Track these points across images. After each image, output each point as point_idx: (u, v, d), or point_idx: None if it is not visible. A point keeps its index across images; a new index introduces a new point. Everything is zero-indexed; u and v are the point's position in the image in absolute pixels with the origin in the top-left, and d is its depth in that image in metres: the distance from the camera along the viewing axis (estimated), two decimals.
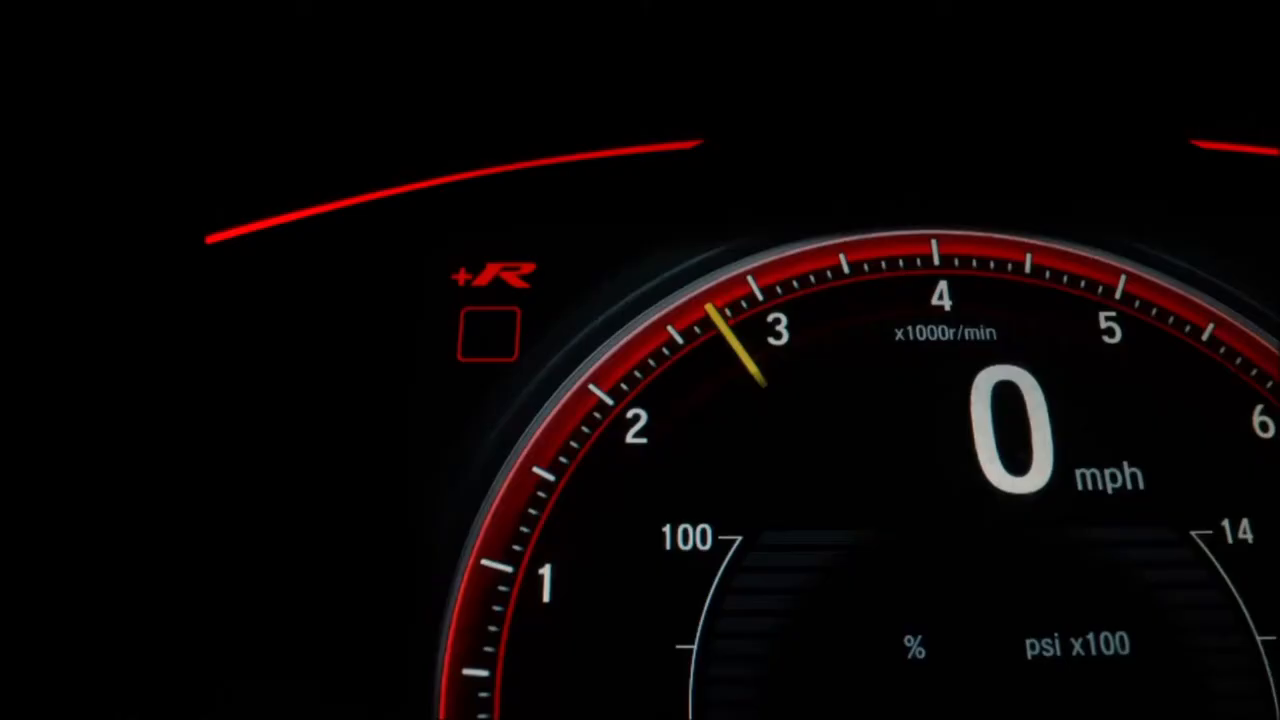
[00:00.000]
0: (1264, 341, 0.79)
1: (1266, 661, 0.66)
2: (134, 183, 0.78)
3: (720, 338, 0.78)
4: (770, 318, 0.78)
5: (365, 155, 0.81)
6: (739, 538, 0.70)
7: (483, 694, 0.65)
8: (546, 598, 0.68)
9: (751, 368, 0.74)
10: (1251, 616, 0.68)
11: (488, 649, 0.66)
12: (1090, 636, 0.67)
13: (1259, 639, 0.67)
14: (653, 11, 0.74)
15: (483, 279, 0.79)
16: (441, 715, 0.65)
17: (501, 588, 0.68)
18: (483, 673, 0.66)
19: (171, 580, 0.67)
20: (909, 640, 0.67)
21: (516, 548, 0.70)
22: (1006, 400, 0.75)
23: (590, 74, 0.79)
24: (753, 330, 0.78)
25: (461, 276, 0.79)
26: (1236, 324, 0.79)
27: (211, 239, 0.78)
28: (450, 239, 0.80)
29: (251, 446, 0.72)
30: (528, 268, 0.79)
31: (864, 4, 0.74)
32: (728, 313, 0.77)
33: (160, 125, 0.76)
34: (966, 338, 0.78)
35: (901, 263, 0.81)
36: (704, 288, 0.79)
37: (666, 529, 0.70)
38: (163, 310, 0.75)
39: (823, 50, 0.79)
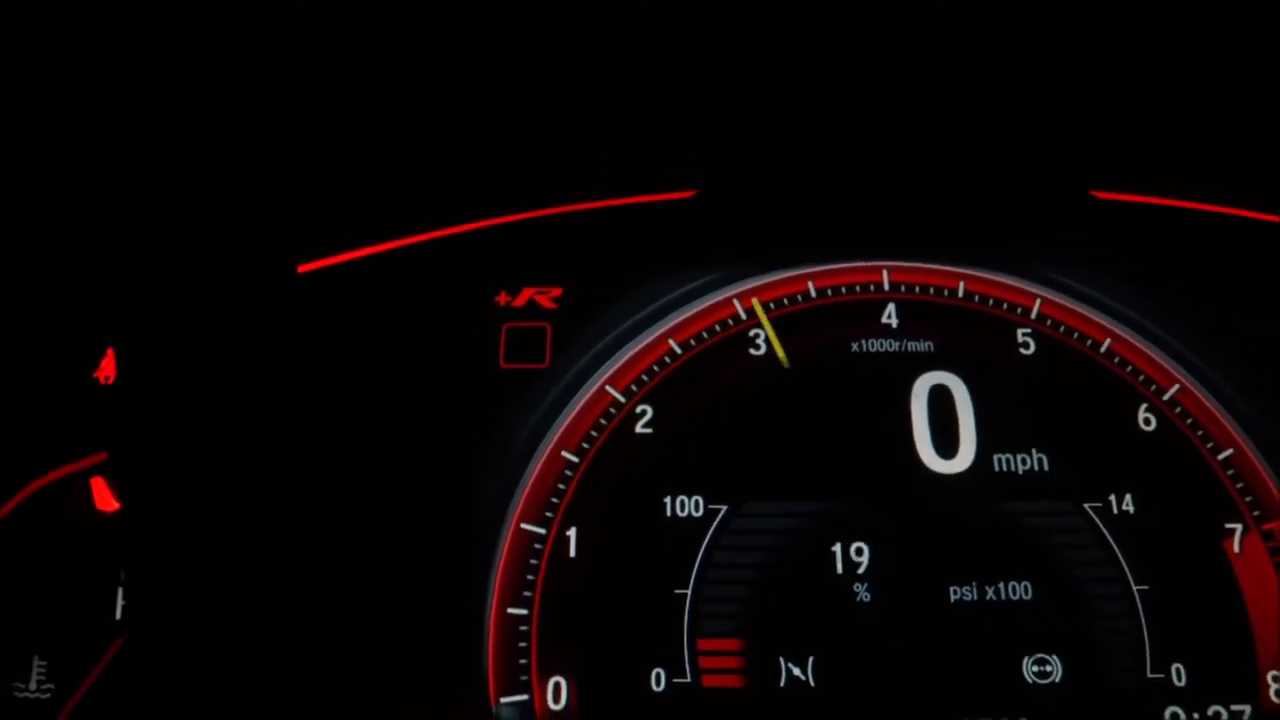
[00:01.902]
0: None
1: (1140, 605, 0.74)
2: (240, 223, 0.84)
3: (715, 345, 0.83)
4: (751, 333, 0.84)
5: (426, 203, 0.85)
6: (725, 507, 0.76)
7: (523, 627, 0.73)
8: (573, 553, 0.75)
9: (780, 353, 0.81)
10: (1130, 570, 0.75)
11: (526, 593, 0.74)
12: (1001, 584, 0.74)
13: (1135, 588, 0.74)
14: (659, 78, 0.76)
15: (520, 300, 0.84)
16: (491, 643, 0.73)
17: (537, 545, 0.76)
18: (523, 611, 0.74)
19: (279, 555, 0.75)
20: (857, 587, 0.74)
21: (549, 514, 0.77)
22: (940, 400, 0.81)
23: (608, 138, 0.82)
24: (736, 343, 0.84)
25: (502, 298, 0.84)
26: (1129, 339, 0.85)
27: (302, 269, 0.84)
28: (494, 269, 0.85)
29: (337, 438, 0.78)
30: (556, 291, 0.85)
31: (825, 83, 0.77)
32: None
33: (263, 176, 0.81)
34: (909, 349, 0.84)
35: (858, 288, 0.87)
36: (698, 308, 0.85)
37: (667, 500, 0.77)
38: (263, 325, 0.82)
39: (795, 120, 0.83)
